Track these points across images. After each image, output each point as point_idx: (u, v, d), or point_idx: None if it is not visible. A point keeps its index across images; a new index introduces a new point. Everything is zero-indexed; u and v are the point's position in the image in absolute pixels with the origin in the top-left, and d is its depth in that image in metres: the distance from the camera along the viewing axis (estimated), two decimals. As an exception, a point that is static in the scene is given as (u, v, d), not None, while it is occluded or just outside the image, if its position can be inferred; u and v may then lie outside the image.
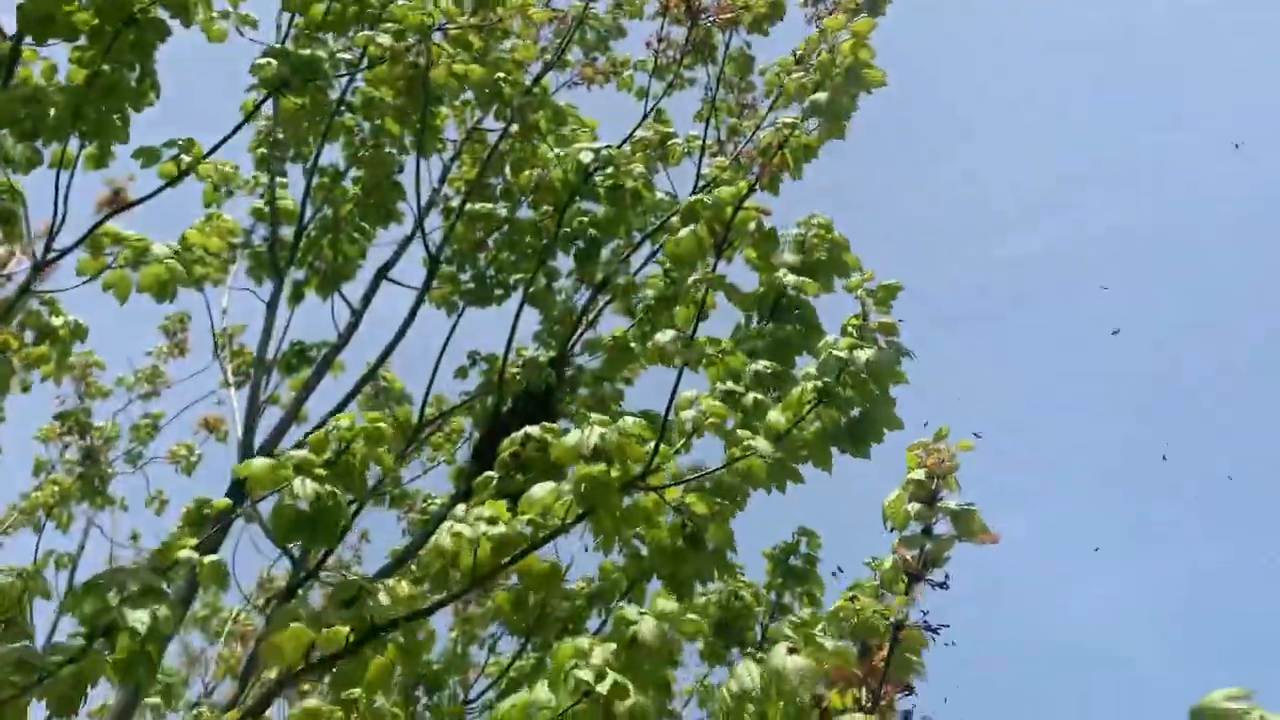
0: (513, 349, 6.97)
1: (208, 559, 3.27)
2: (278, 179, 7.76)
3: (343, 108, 7.06)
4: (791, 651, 1.98)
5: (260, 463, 3.37)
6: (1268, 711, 1.58)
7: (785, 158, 3.82)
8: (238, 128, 5.19)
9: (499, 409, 6.64)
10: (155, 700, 9.25)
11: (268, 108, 6.94)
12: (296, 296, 7.60)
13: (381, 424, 3.57)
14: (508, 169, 7.17)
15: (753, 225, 3.72)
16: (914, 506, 2.12)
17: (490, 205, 7.32)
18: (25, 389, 5.55)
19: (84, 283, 5.11)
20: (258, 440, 6.90)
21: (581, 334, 7.06)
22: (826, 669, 1.96)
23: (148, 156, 5.06)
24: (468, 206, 7.27)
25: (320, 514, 3.34)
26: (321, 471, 3.38)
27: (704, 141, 7.13)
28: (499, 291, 7.59)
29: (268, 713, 5.41)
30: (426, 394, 7.21)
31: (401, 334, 7.20)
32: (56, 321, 4.72)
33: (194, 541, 3.33)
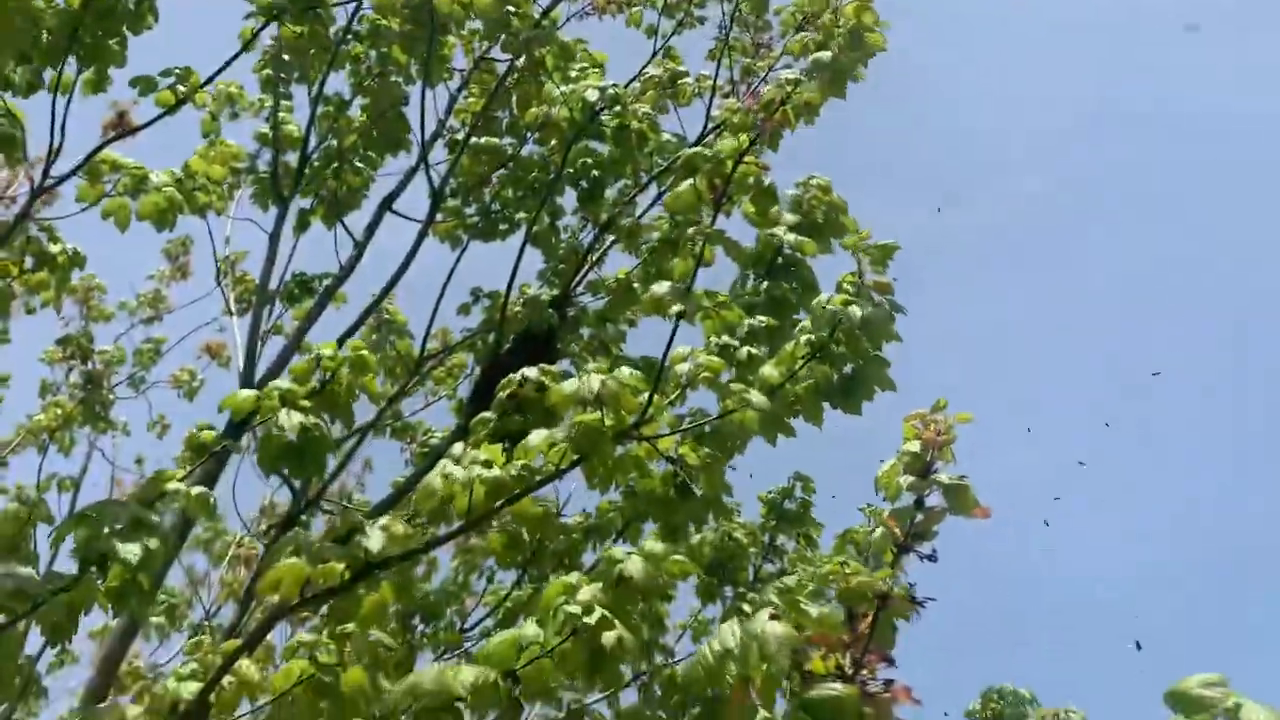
0: (515, 287, 6.96)
1: (195, 491, 3.29)
2: (282, 103, 7.69)
3: (348, 36, 6.96)
4: (774, 618, 2.00)
5: (245, 394, 3.39)
6: (1242, 697, 1.59)
7: (787, 114, 3.77)
8: (235, 56, 5.13)
9: (499, 347, 6.64)
10: (160, 620, 9.46)
11: (273, 31, 6.84)
12: (301, 225, 7.58)
13: (365, 353, 3.58)
14: (514, 103, 7.08)
15: (752, 180, 3.69)
16: (907, 479, 2.12)
17: (496, 140, 7.25)
18: (30, 312, 5.56)
19: (83, 210, 5.09)
20: (261, 369, 6.93)
21: (585, 274, 7.03)
22: (808, 635, 1.98)
23: (145, 85, 5.00)
24: (473, 140, 7.20)
25: (307, 444, 3.36)
26: (306, 403, 3.39)
27: (714, 82, 7.03)
28: (504, 227, 7.55)
29: (268, 637, 5.51)
30: (429, 328, 7.23)
31: (405, 267, 7.18)
32: (55, 249, 4.71)
33: (182, 473, 3.36)
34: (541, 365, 4.28)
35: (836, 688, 1.88)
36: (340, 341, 7.05)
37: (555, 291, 6.97)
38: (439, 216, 7.38)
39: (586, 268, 7.03)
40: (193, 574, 10.64)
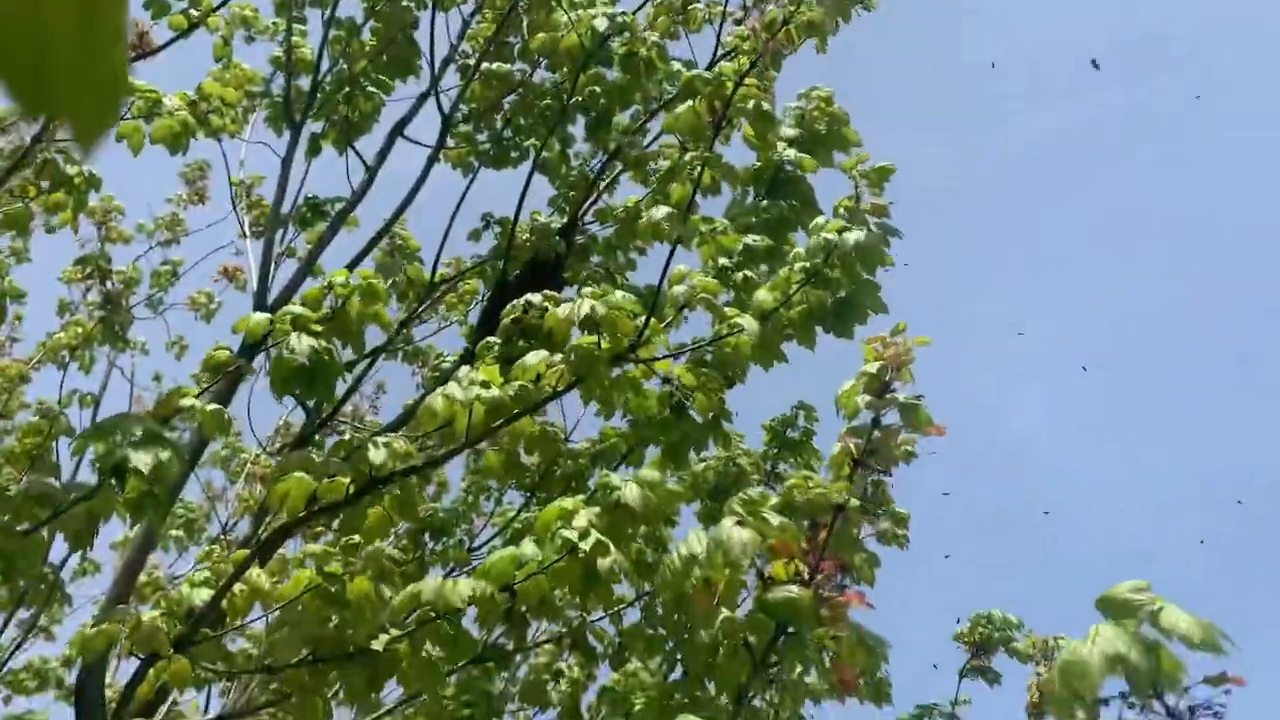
0: (524, 214, 7.03)
1: (210, 407, 3.42)
2: (296, 26, 7.72)
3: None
4: (739, 524, 2.11)
5: (259, 317, 3.50)
6: (1165, 601, 1.70)
7: (790, 33, 3.78)
8: (247, -20, 5.15)
9: (506, 274, 6.74)
10: (179, 533, 9.77)
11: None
12: (314, 149, 7.64)
13: (375, 281, 3.67)
14: (525, 28, 7.08)
15: (751, 104, 3.72)
16: (865, 398, 2.21)
17: (507, 66, 7.25)
18: (50, 231, 5.65)
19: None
20: (274, 292, 7.07)
21: (594, 202, 7.08)
22: (769, 542, 2.09)
23: (158, 8, 5.04)
24: (484, 66, 7.21)
25: (317, 368, 3.47)
26: (317, 327, 3.49)
27: (724, 8, 6.99)
28: (515, 154, 7.58)
29: (283, 550, 5.71)
30: (439, 254, 7.31)
31: (415, 191, 7.27)
32: (71, 170, 4.79)
33: (196, 391, 3.49)
34: (545, 291, 4.35)
35: (793, 591, 2.00)
36: (353, 264, 7.17)
37: (564, 219, 7.03)
38: (450, 143, 7.43)
39: (595, 195, 7.08)
40: (210, 489, 11.01)
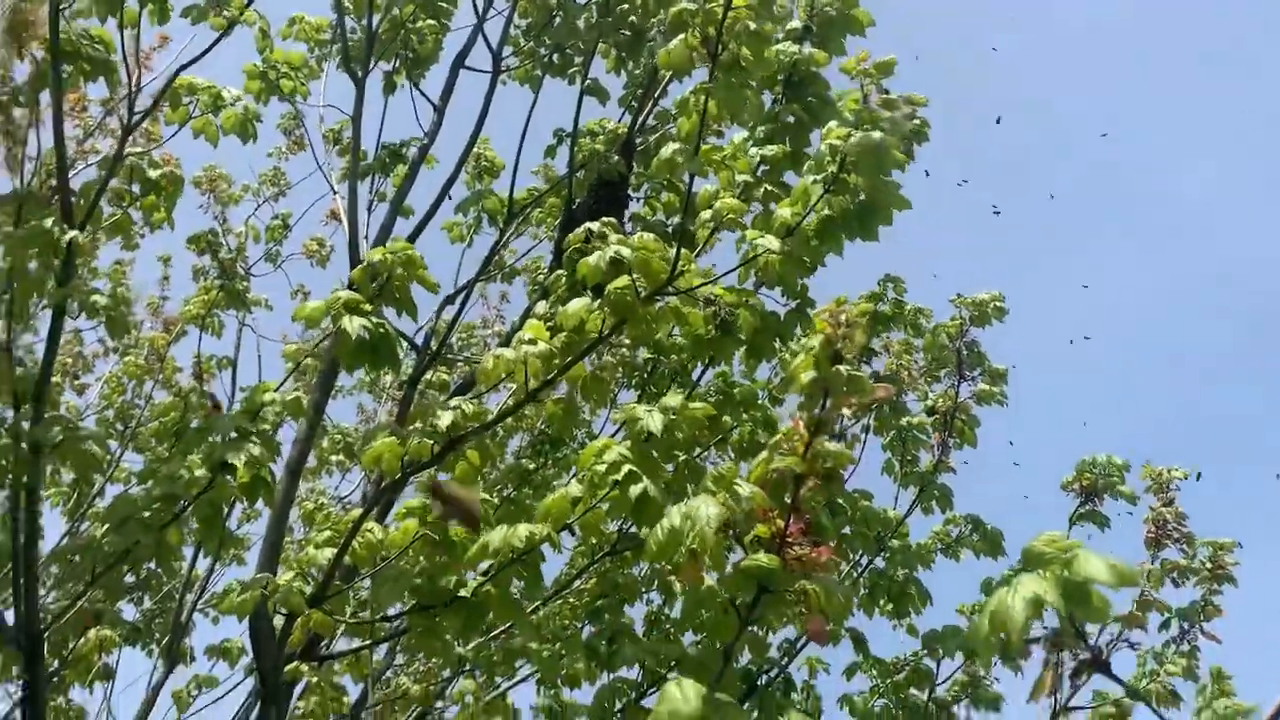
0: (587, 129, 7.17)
1: (288, 397, 3.82)
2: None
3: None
4: (709, 498, 2.31)
5: (313, 305, 3.81)
6: (1082, 548, 1.85)
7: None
8: (271, -27, 5.36)
9: (572, 199, 6.95)
10: (339, 458, 10.67)
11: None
12: (389, 87, 7.91)
13: (412, 252, 3.94)
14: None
15: (738, 26, 3.73)
16: (810, 374, 2.33)
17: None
18: (155, 227, 6.09)
19: (174, 134, 5.58)
20: (373, 232, 7.50)
21: (651, 109, 7.16)
22: (747, 510, 2.29)
23: (196, 14, 5.34)
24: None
25: (377, 342, 3.79)
26: (367, 307, 3.79)
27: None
28: (578, 61, 7.68)
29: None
30: (514, 174, 7.52)
31: (483, 116, 7.51)
32: (154, 174, 5.20)
33: (275, 385, 3.89)
34: (603, 219, 4.52)
35: (762, 558, 2.24)
36: (443, 192, 7.49)
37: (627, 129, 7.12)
38: (510, 67, 7.60)
39: (651, 105, 7.16)
40: (364, 411, 11.92)
